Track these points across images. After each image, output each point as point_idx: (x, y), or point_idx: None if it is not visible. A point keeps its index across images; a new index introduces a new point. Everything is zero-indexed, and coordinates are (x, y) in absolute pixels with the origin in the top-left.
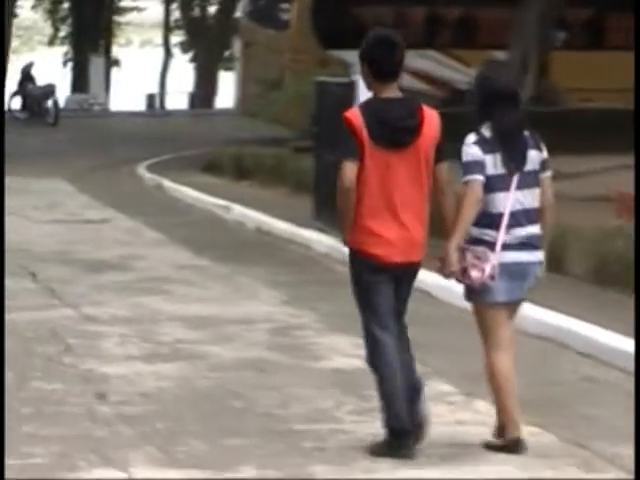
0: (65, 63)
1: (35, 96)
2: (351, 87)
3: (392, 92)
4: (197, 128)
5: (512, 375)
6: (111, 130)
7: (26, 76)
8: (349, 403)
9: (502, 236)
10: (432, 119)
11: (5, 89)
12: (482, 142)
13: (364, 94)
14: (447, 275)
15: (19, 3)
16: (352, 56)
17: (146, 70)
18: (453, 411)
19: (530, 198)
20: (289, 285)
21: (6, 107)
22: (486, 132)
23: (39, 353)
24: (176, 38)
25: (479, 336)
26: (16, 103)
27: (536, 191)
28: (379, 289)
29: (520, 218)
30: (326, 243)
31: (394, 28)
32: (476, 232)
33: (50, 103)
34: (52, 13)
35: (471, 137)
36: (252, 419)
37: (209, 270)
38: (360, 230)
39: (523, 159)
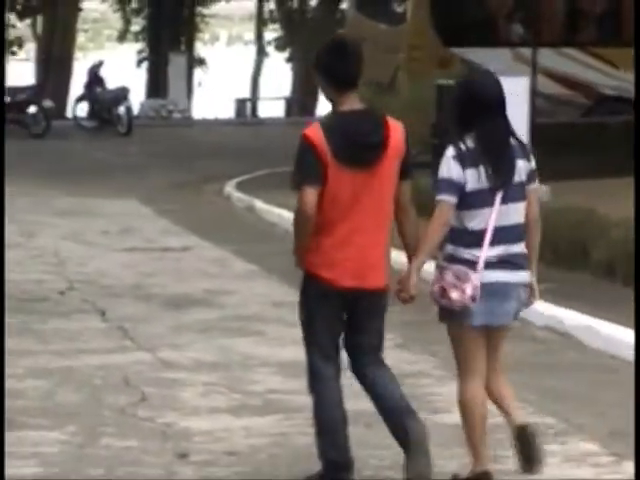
0: (139, 63)
1: (105, 101)
2: None
3: (353, 103)
4: (295, 139)
5: (480, 406)
6: (194, 141)
7: (94, 78)
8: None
9: (484, 254)
10: (397, 133)
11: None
12: (463, 156)
13: None
14: (405, 300)
15: None
16: (478, 54)
17: (235, 71)
18: (599, 474)
19: (514, 213)
20: (403, 325)
21: (71, 114)
22: (469, 143)
23: (110, 404)
24: (270, 34)
25: (627, 389)
26: (82, 109)
27: (522, 205)
28: (325, 316)
29: (503, 235)
30: None
31: (528, 23)
32: (453, 250)
33: (122, 110)
34: (123, 4)
35: (450, 150)
36: None
37: None
38: (315, 252)
39: (511, 171)
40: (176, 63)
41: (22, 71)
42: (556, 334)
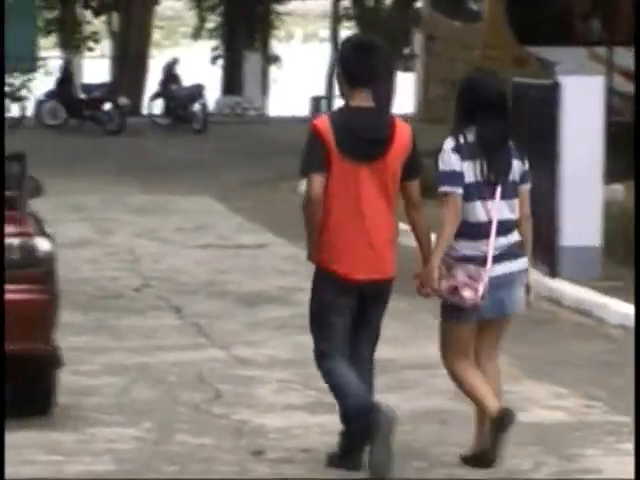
0: (214, 60)
1: (180, 99)
2: (554, 90)
3: (364, 101)
4: None
5: (474, 371)
6: (268, 139)
7: (169, 75)
8: (550, 464)
9: (492, 251)
10: (404, 133)
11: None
12: (460, 148)
13: (570, 97)
14: (427, 295)
15: None
16: (553, 53)
17: (310, 69)
18: None
19: (508, 209)
20: None
21: (146, 111)
22: (469, 136)
23: (184, 401)
24: (345, 32)
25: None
26: (158, 107)
27: (514, 202)
28: (338, 308)
29: (503, 228)
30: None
31: (604, 21)
32: (459, 245)
33: (197, 107)
34: (199, 1)
35: (449, 142)
36: None
37: None
38: (325, 246)
39: (508, 169)
40: (251, 60)
41: (97, 68)
42: (630, 333)
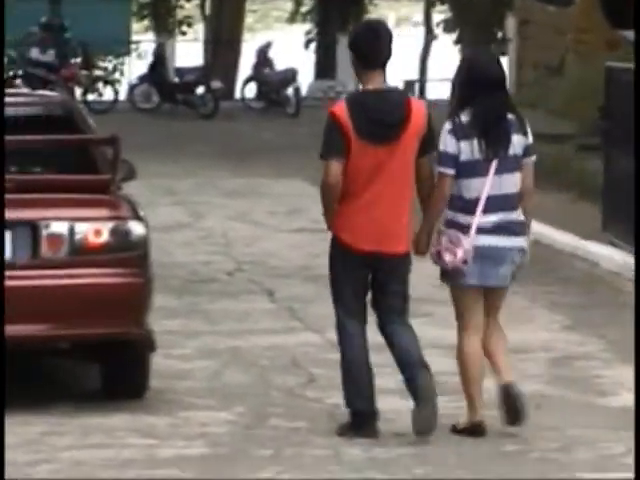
0: (307, 44)
1: (273, 83)
2: None
3: (379, 83)
4: None
5: (479, 360)
6: None
7: (262, 59)
8: None
9: (477, 220)
10: (419, 112)
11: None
12: (457, 129)
13: None
14: (420, 255)
15: None
16: None
17: (403, 52)
18: None
19: (510, 183)
20: (572, 308)
21: (239, 95)
22: (463, 117)
23: (278, 385)
24: (438, 15)
25: None
26: (251, 90)
27: (517, 176)
28: (348, 276)
29: (498, 203)
30: (617, 259)
31: None
32: (451, 215)
33: (290, 91)
34: None
35: (447, 124)
36: (528, 465)
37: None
38: (339, 216)
39: (507, 143)
40: (344, 44)
41: (190, 52)
42: None
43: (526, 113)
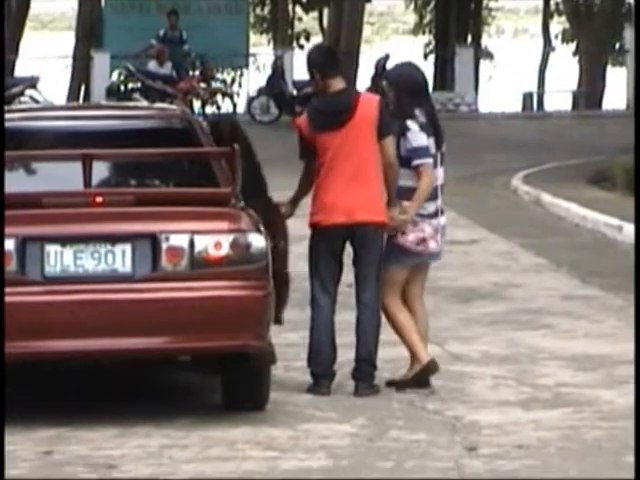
0: (427, 56)
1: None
2: None
3: (337, 87)
4: (582, 132)
5: (403, 309)
6: (480, 135)
7: (381, 71)
8: None
9: (440, 203)
10: (368, 103)
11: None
12: (423, 128)
13: None
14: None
15: None
16: None
17: (521, 64)
18: None
19: (441, 174)
20: None
21: None
22: (421, 118)
23: (399, 397)
24: (556, 27)
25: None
26: None
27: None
28: (323, 254)
29: (438, 191)
30: None
31: None
32: (426, 204)
33: None
34: None
35: (413, 124)
36: None
37: (598, 301)
38: (313, 204)
39: (443, 142)
40: (463, 56)
41: None
42: None
43: None
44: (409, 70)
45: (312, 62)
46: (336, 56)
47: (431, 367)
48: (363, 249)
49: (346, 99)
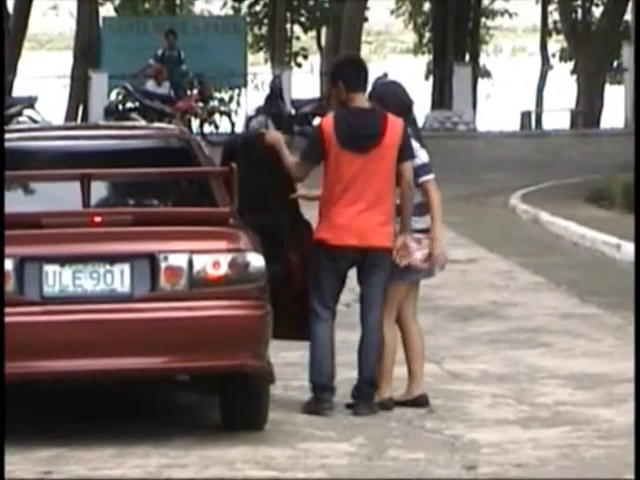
0: (428, 75)
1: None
2: None
3: (362, 103)
4: (580, 151)
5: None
6: (478, 153)
7: None
8: None
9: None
10: (395, 128)
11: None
12: (422, 144)
13: None
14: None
15: (370, 5)
16: None
17: (519, 83)
18: None
19: None
20: None
21: None
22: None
23: (397, 416)
24: (554, 45)
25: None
26: None
27: None
28: (327, 272)
29: None
30: None
31: None
32: (425, 221)
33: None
34: (412, 16)
35: (415, 142)
36: None
37: (597, 319)
38: (322, 219)
39: None
40: (460, 74)
41: (306, 83)
42: None
43: None
44: (394, 88)
45: (339, 71)
46: (366, 71)
47: (387, 405)
48: (372, 272)
49: (376, 121)
